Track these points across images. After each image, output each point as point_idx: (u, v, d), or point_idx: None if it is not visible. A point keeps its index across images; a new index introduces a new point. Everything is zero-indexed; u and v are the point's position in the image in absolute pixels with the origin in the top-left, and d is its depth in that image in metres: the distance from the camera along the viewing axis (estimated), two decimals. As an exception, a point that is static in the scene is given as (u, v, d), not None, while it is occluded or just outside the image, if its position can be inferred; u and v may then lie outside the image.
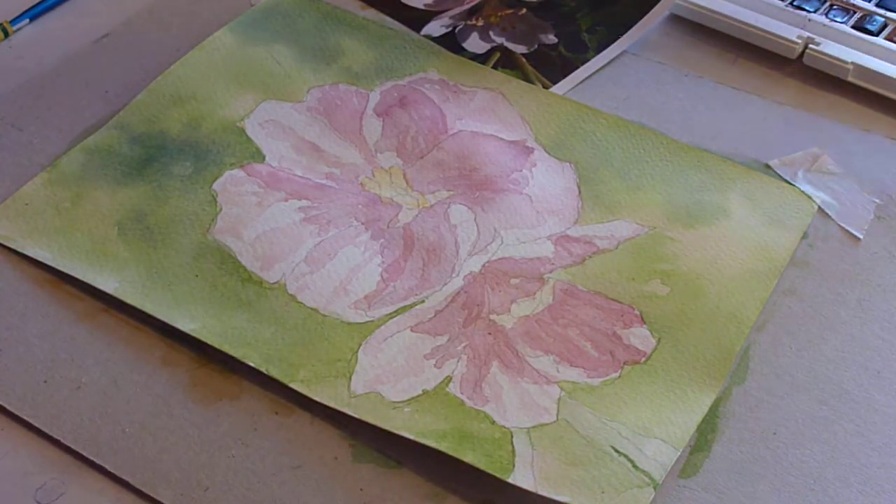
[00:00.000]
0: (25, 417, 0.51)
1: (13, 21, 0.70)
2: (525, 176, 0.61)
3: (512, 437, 0.49)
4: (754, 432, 0.51)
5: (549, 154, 0.62)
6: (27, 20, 0.70)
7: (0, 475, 0.49)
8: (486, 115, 0.64)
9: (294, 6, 0.70)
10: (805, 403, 0.52)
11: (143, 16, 0.71)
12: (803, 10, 0.69)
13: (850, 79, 0.67)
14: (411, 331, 0.54)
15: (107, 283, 0.55)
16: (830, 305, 0.56)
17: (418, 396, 0.51)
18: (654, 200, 0.60)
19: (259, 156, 0.61)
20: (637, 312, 0.55)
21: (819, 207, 0.60)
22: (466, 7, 0.72)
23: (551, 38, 0.70)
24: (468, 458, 0.48)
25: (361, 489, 0.49)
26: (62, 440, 0.50)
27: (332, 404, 0.51)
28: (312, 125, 0.63)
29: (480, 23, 0.71)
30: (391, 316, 0.54)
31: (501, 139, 0.62)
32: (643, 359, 0.53)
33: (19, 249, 0.57)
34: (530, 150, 0.62)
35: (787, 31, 0.68)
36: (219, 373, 0.53)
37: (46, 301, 0.55)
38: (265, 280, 0.56)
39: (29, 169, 0.61)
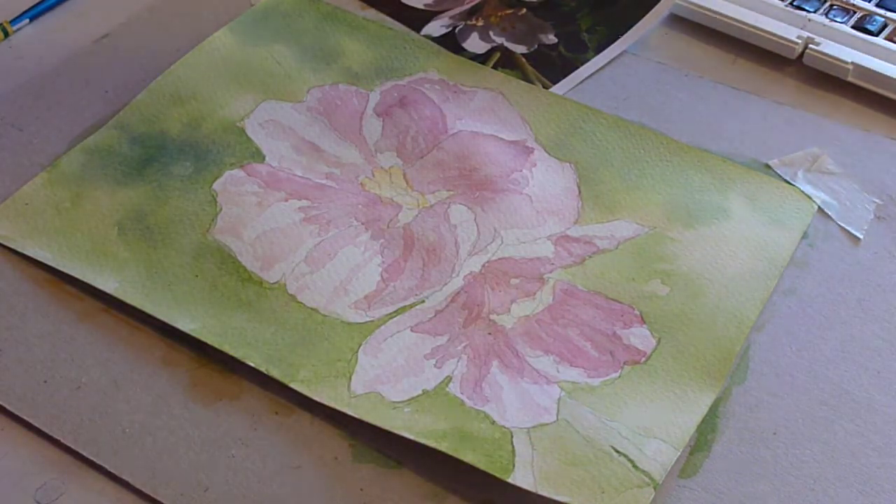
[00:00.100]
0: (25, 417, 0.51)
1: (13, 21, 0.70)
2: (525, 176, 0.61)
3: (512, 437, 0.49)
4: (754, 432, 0.51)
5: (549, 154, 0.62)
6: (27, 20, 0.70)
7: (0, 475, 0.49)
8: (486, 115, 0.64)
9: (294, 6, 0.70)
10: (805, 403, 0.52)
11: (143, 16, 0.71)
12: (803, 10, 0.69)
13: (850, 79, 0.67)
14: (411, 331, 0.54)
15: (107, 283, 0.55)
16: (830, 305, 0.56)
17: (418, 396, 0.51)
18: (654, 200, 0.60)
19: (259, 156, 0.61)
20: (637, 312, 0.55)
21: (819, 207, 0.60)
22: (466, 7, 0.72)
23: (551, 38, 0.70)
24: (468, 458, 0.48)
25: (361, 489, 0.49)
26: (62, 440, 0.50)
27: (332, 404, 0.51)
28: (312, 125, 0.63)
29: (480, 23, 0.71)
30: (391, 316, 0.54)
31: (501, 139, 0.62)
32: (643, 359, 0.53)
33: (19, 249, 0.57)
34: (530, 150, 0.62)
35: (787, 31, 0.68)
36: (219, 373, 0.53)
37: (46, 301, 0.55)
38: (265, 280, 0.56)
39: (29, 169, 0.61)
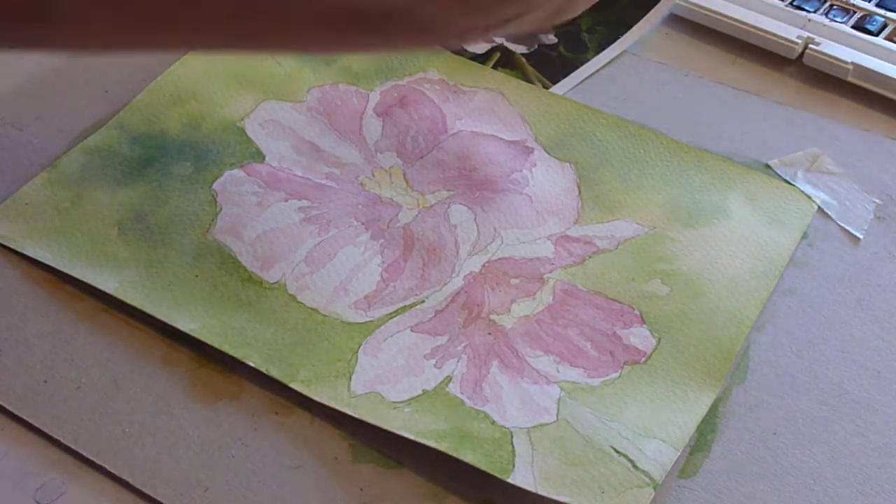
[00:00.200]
0: (25, 417, 0.51)
1: (13, 21, 0.70)
2: (525, 176, 0.61)
3: (512, 437, 0.49)
4: (754, 432, 0.51)
5: (549, 154, 0.62)
6: (27, 20, 0.70)
7: (0, 475, 0.49)
8: (486, 115, 0.64)
9: (294, 6, 0.70)
10: (805, 403, 0.52)
11: (143, 16, 0.71)
12: (803, 10, 0.69)
13: (849, 79, 0.67)
14: (411, 331, 0.54)
15: (107, 283, 0.55)
16: (830, 305, 0.56)
17: (418, 396, 0.51)
18: (654, 200, 0.60)
19: (259, 156, 0.61)
20: (637, 312, 0.55)
21: (819, 207, 0.60)
22: (466, 7, 0.72)
23: (551, 38, 0.70)
24: (468, 458, 0.48)
25: (361, 489, 0.49)
26: (62, 440, 0.50)
27: (332, 404, 0.51)
28: (312, 125, 0.63)
29: (480, 23, 0.71)
30: (391, 316, 0.54)
31: (501, 139, 0.62)
32: (643, 359, 0.53)
33: (19, 249, 0.57)
34: (530, 150, 0.62)
35: (787, 31, 0.68)
36: (219, 373, 0.53)
37: (46, 301, 0.55)
38: (265, 280, 0.56)
39: (29, 169, 0.61)
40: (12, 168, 0.61)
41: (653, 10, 0.71)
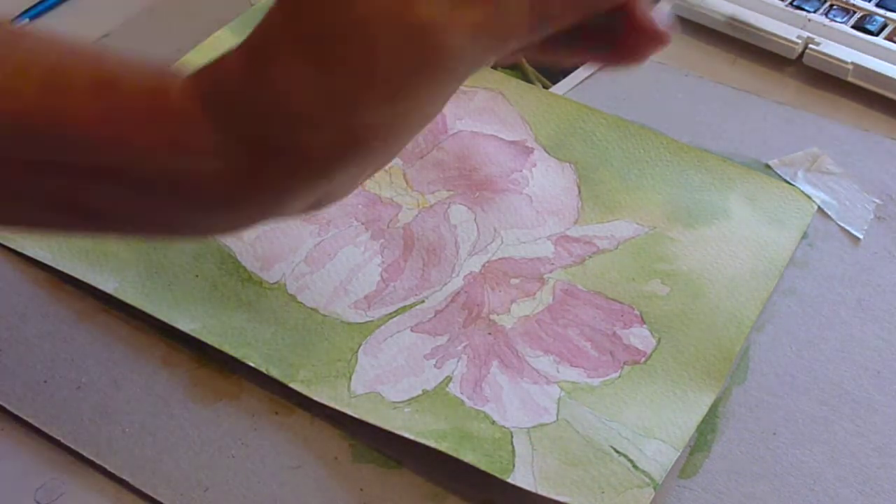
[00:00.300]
0: (25, 417, 0.51)
1: (13, 21, 0.70)
2: (525, 176, 0.61)
3: (512, 437, 0.49)
4: (754, 432, 0.51)
5: (548, 154, 0.62)
6: (27, 20, 0.70)
7: (0, 475, 0.49)
8: (486, 115, 0.64)
9: (294, 6, 0.70)
10: (805, 403, 0.52)
11: (143, 16, 0.71)
12: (803, 10, 0.69)
13: (849, 79, 0.67)
14: (411, 331, 0.54)
15: (107, 283, 0.55)
16: (830, 305, 0.56)
17: (418, 396, 0.51)
18: (654, 200, 0.60)
19: (259, 156, 0.61)
20: (637, 312, 0.55)
21: (819, 207, 0.60)
22: (466, 7, 0.72)
23: (551, 38, 0.70)
24: (468, 458, 0.48)
25: (361, 489, 0.49)
26: (62, 440, 0.50)
27: (332, 404, 0.51)
28: (312, 125, 0.63)
29: (480, 23, 0.71)
30: (391, 316, 0.54)
31: (501, 139, 0.62)
32: (643, 359, 0.53)
33: (19, 249, 0.57)
34: (530, 150, 0.62)
35: (787, 31, 0.68)
36: (219, 373, 0.53)
37: (46, 301, 0.55)
38: (265, 280, 0.56)
39: (29, 169, 0.61)
40: (12, 168, 0.61)
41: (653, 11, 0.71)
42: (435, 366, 0.52)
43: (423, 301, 0.55)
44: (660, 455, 0.49)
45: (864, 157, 0.63)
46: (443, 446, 0.49)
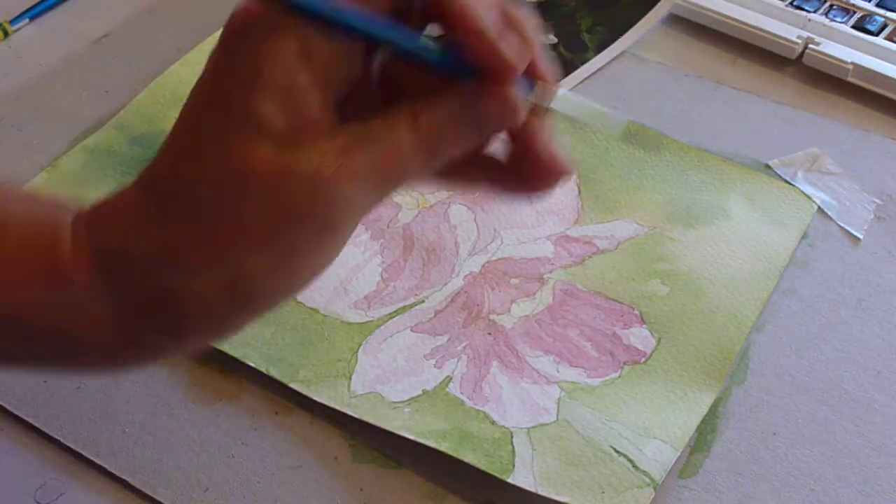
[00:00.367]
0: (25, 417, 0.51)
1: (13, 21, 0.70)
2: (525, 176, 0.60)
3: (512, 437, 0.49)
4: (754, 432, 0.51)
5: (549, 154, 0.62)
6: (27, 20, 0.70)
7: (0, 475, 0.49)
8: (486, 115, 0.64)
9: (294, 6, 0.70)
10: (805, 403, 0.52)
11: (143, 16, 0.71)
12: (803, 10, 0.69)
13: (849, 79, 0.67)
14: (411, 331, 0.54)
15: (107, 283, 0.55)
16: (830, 305, 0.56)
17: (418, 396, 0.51)
18: (654, 200, 0.60)
19: (259, 156, 0.61)
20: (637, 312, 0.55)
21: (819, 207, 0.60)
22: (466, 7, 0.72)
23: (551, 38, 0.70)
24: (468, 458, 0.48)
25: (361, 489, 0.49)
26: (62, 440, 0.50)
27: (332, 404, 0.51)
28: (312, 125, 0.63)
29: (480, 23, 0.71)
30: (391, 316, 0.54)
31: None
32: (643, 359, 0.53)
33: (19, 249, 0.57)
34: (530, 150, 0.62)
35: (787, 31, 0.68)
36: (219, 373, 0.53)
37: (46, 301, 0.55)
38: (265, 280, 0.55)
39: (29, 169, 0.61)
40: (12, 168, 0.61)
41: (653, 10, 0.71)
42: (435, 366, 0.52)
43: (423, 301, 0.55)
44: (660, 455, 0.49)
45: (864, 157, 0.63)
46: (443, 446, 0.49)
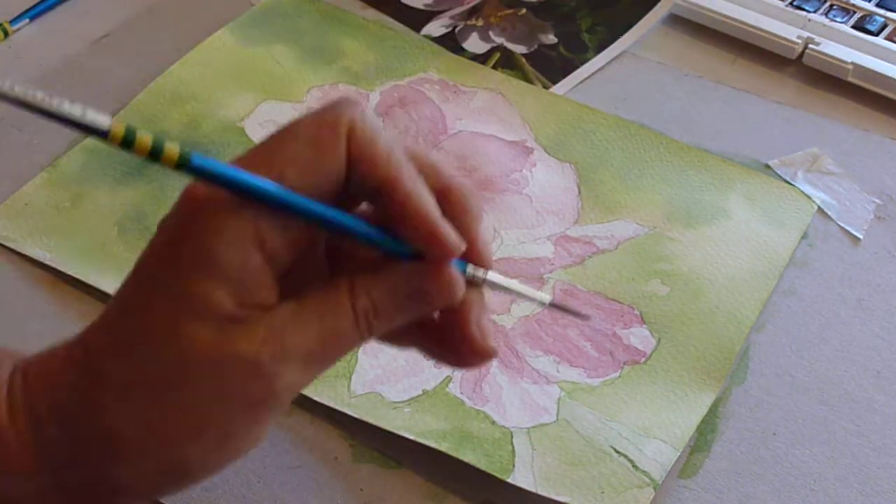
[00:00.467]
0: (25, 417, 0.51)
1: (13, 21, 0.70)
2: (525, 176, 0.61)
3: (512, 437, 0.49)
4: (754, 432, 0.51)
5: (548, 154, 0.62)
6: (27, 20, 0.70)
7: (0, 475, 0.49)
8: (485, 116, 0.64)
9: (294, 6, 0.70)
10: (805, 403, 0.52)
11: (143, 16, 0.71)
12: (803, 10, 0.69)
13: (849, 79, 0.67)
14: (411, 331, 0.54)
15: (107, 283, 0.55)
16: (830, 305, 0.56)
17: (418, 396, 0.51)
18: (654, 200, 0.60)
19: (259, 156, 0.61)
20: (637, 312, 0.55)
21: (819, 207, 0.60)
22: (466, 7, 0.72)
23: (551, 38, 0.70)
24: (468, 458, 0.48)
25: (361, 489, 0.49)
26: (62, 440, 0.50)
27: (332, 404, 0.51)
28: (312, 125, 0.63)
29: (480, 23, 0.71)
30: (391, 316, 0.54)
31: (501, 139, 0.62)
32: (643, 359, 0.53)
33: (19, 249, 0.57)
34: (530, 151, 0.62)
35: (787, 31, 0.68)
36: (219, 373, 0.52)
37: (46, 301, 0.55)
38: (265, 280, 0.55)
39: (29, 169, 0.61)
40: (12, 168, 0.61)
41: (653, 10, 0.71)
42: (435, 366, 0.52)
43: (423, 301, 0.55)
44: (660, 455, 0.49)
45: (864, 157, 0.63)
46: (443, 446, 0.49)
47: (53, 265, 0.56)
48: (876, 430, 0.51)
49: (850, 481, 0.49)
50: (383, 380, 0.52)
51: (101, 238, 0.57)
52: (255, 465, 0.49)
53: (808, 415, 0.52)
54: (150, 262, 0.37)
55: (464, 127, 0.63)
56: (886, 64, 0.66)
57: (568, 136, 0.63)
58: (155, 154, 0.35)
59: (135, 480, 0.37)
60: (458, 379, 0.52)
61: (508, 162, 0.61)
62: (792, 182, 0.61)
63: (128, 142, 0.34)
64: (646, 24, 0.70)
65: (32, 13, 0.71)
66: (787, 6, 0.70)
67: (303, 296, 0.37)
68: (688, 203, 0.60)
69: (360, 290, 0.37)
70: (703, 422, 0.51)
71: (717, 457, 0.50)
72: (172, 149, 0.35)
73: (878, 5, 0.69)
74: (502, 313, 0.54)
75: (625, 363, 0.53)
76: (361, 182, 0.37)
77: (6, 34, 0.69)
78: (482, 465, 0.48)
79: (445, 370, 0.52)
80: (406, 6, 0.72)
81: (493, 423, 0.50)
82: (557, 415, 0.50)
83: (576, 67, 0.68)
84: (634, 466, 0.48)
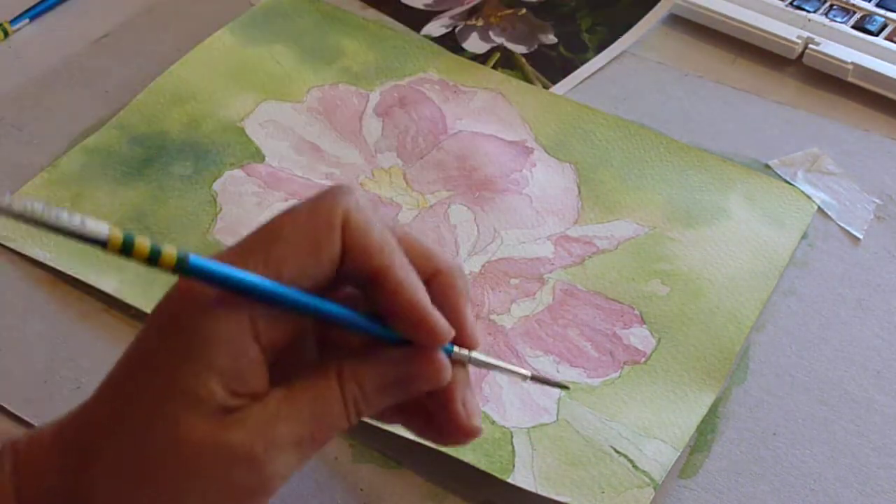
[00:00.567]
0: (25, 417, 0.51)
1: (13, 21, 0.70)
2: (525, 176, 0.61)
3: (512, 437, 0.49)
4: (754, 432, 0.51)
5: (548, 154, 0.62)
6: (27, 20, 0.70)
7: (0, 475, 0.49)
8: (486, 116, 0.64)
9: (294, 6, 0.70)
10: (805, 403, 0.52)
11: (143, 16, 0.71)
12: (803, 10, 0.69)
13: (850, 79, 0.67)
14: (411, 331, 0.54)
15: (107, 283, 0.55)
16: (830, 305, 0.56)
17: (418, 396, 0.51)
18: (654, 200, 0.60)
19: (259, 156, 0.61)
20: (637, 312, 0.55)
21: (819, 207, 0.60)
22: (466, 7, 0.72)
23: (551, 38, 0.70)
24: (468, 458, 0.48)
25: (361, 489, 0.49)
26: (62, 440, 0.50)
27: (332, 404, 0.50)
28: (312, 125, 0.63)
29: (480, 23, 0.71)
30: (391, 316, 0.54)
31: (501, 139, 0.62)
32: (643, 359, 0.53)
33: (19, 249, 0.57)
34: (530, 151, 0.62)
35: (787, 31, 0.68)
36: (219, 373, 0.52)
37: (46, 301, 0.55)
38: (265, 280, 0.55)
39: (29, 169, 0.61)
40: (12, 168, 0.61)
41: (653, 10, 0.71)
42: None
43: (423, 301, 0.55)
44: (660, 455, 0.49)
45: (864, 157, 0.63)
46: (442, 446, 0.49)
47: (53, 265, 0.56)
48: (876, 430, 0.51)
49: (850, 481, 0.49)
50: (383, 380, 0.52)
51: (101, 238, 0.57)
52: (255, 465, 0.49)
53: (808, 415, 0.52)
54: (144, 351, 0.38)
55: (464, 127, 0.63)
56: (886, 64, 0.66)
57: (568, 136, 0.63)
58: (153, 259, 0.35)
59: None
60: (458, 379, 0.52)
61: (508, 162, 0.61)
62: (792, 182, 0.61)
63: (126, 249, 0.34)
64: (646, 24, 0.70)
65: (32, 13, 0.71)
66: (787, 6, 0.70)
67: (292, 382, 0.37)
68: (688, 203, 0.60)
69: (348, 376, 0.38)
70: (703, 422, 0.51)
71: (717, 457, 0.50)
72: (170, 253, 0.35)
73: (878, 5, 0.69)
74: (502, 313, 0.55)
75: (625, 363, 0.53)
76: (354, 270, 0.37)
77: (6, 34, 0.69)
78: (482, 465, 0.48)
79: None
80: (406, 6, 0.72)
81: (493, 422, 0.50)
82: (557, 415, 0.51)
83: (576, 67, 0.68)
84: (634, 466, 0.48)
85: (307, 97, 0.65)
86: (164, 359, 0.36)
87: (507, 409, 0.50)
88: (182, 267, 0.36)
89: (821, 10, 0.69)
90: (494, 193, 0.59)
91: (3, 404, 0.51)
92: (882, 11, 0.69)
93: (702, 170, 0.61)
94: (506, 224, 0.58)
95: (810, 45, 0.67)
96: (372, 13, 0.72)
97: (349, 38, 0.69)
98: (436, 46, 0.69)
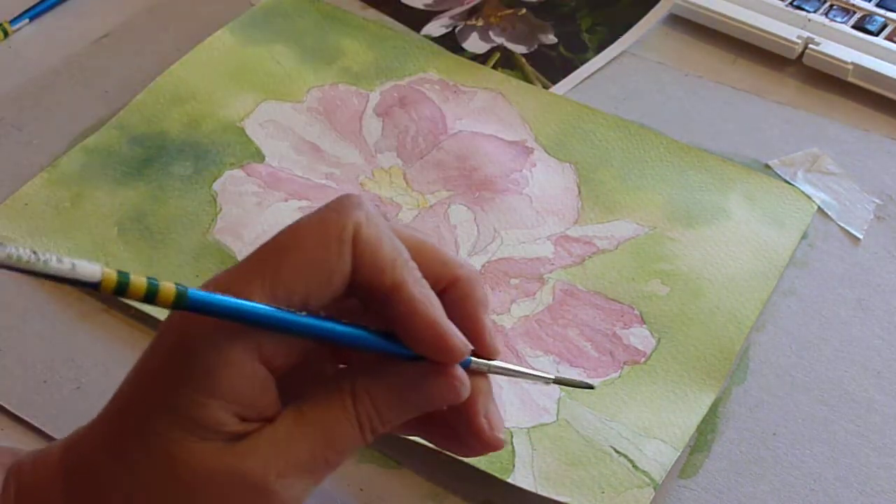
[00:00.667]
0: (25, 417, 0.51)
1: (13, 21, 0.70)
2: (525, 176, 0.61)
3: (512, 437, 0.49)
4: (754, 432, 0.51)
5: (548, 154, 0.62)
6: (27, 20, 0.70)
7: (0, 475, 0.49)
8: (485, 116, 0.64)
9: (294, 6, 0.70)
10: (805, 403, 0.52)
11: (143, 16, 0.71)
12: (803, 10, 0.69)
13: (850, 79, 0.67)
14: (411, 331, 0.54)
15: (107, 283, 0.55)
16: (830, 305, 0.56)
17: (418, 396, 0.51)
18: (654, 200, 0.60)
19: (259, 156, 0.61)
20: (637, 312, 0.55)
21: (819, 207, 0.60)
22: (466, 7, 0.72)
23: (551, 38, 0.70)
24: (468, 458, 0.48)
25: (361, 489, 0.49)
26: (62, 440, 0.50)
27: (332, 404, 0.50)
28: (312, 125, 0.63)
29: (480, 23, 0.71)
30: (391, 316, 0.54)
31: (501, 139, 0.62)
32: (643, 359, 0.53)
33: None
34: (530, 151, 0.62)
35: (787, 31, 0.68)
36: (219, 373, 0.52)
37: (46, 301, 0.55)
38: (265, 280, 0.55)
39: (29, 169, 0.61)
40: (12, 168, 0.61)
41: (653, 10, 0.71)
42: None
43: (423, 301, 0.55)
44: (660, 455, 0.49)
45: (864, 157, 0.63)
46: (443, 446, 0.49)
47: (53, 265, 0.56)
48: (876, 430, 0.51)
49: (850, 481, 0.49)
50: (383, 380, 0.52)
51: (100, 238, 0.57)
52: (255, 465, 0.49)
53: (808, 415, 0.52)
54: (151, 373, 0.37)
55: (464, 127, 0.63)
56: (886, 64, 0.66)
57: (568, 136, 0.63)
58: (150, 297, 0.34)
59: None
60: (458, 379, 0.52)
61: (508, 162, 0.61)
62: (792, 182, 0.61)
63: (121, 289, 0.33)
64: (646, 24, 0.70)
65: (32, 13, 0.71)
66: (787, 6, 0.70)
67: (304, 401, 0.36)
68: (688, 203, 0.60)
69: (361, 394, 0.37)
70: (703, 422, 0.51)
71: (717, 457, 0.50)
72: (168, 288, 0.34)
73: (878, 5, 0.69)
74: (502, 313, 0.55)
75: (625, 363, 0.53)
76: (364, 285, 0.36)
77: (6, 34, 0.69)
78: (482, 465, 0.48)
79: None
80: (406, 6, 0.72)
81: (493, 423, 0.50)
82: (557, 415, 0.50)
83: (576, 67, 0.68)
84: (634, 466, 0.48)
85: (307, 97, 0.65)
86: (170, 387, 0.36)
87: (506, 409, 0.50)
88: (181, 303, 0.34)
89: (821, 10, 0.69)
90: (494, 193, 0.59)
91: (3, 404, 0.51)
92: (882, 11, 0.69)
93: (702, 170, 0.61)
94: (506, 224, 0.58)
95: (810, 45, 0.67)
96: (372, 13, 0.72)
97: (349, 38, 0.69)
98: (436, 46, 0.69)
